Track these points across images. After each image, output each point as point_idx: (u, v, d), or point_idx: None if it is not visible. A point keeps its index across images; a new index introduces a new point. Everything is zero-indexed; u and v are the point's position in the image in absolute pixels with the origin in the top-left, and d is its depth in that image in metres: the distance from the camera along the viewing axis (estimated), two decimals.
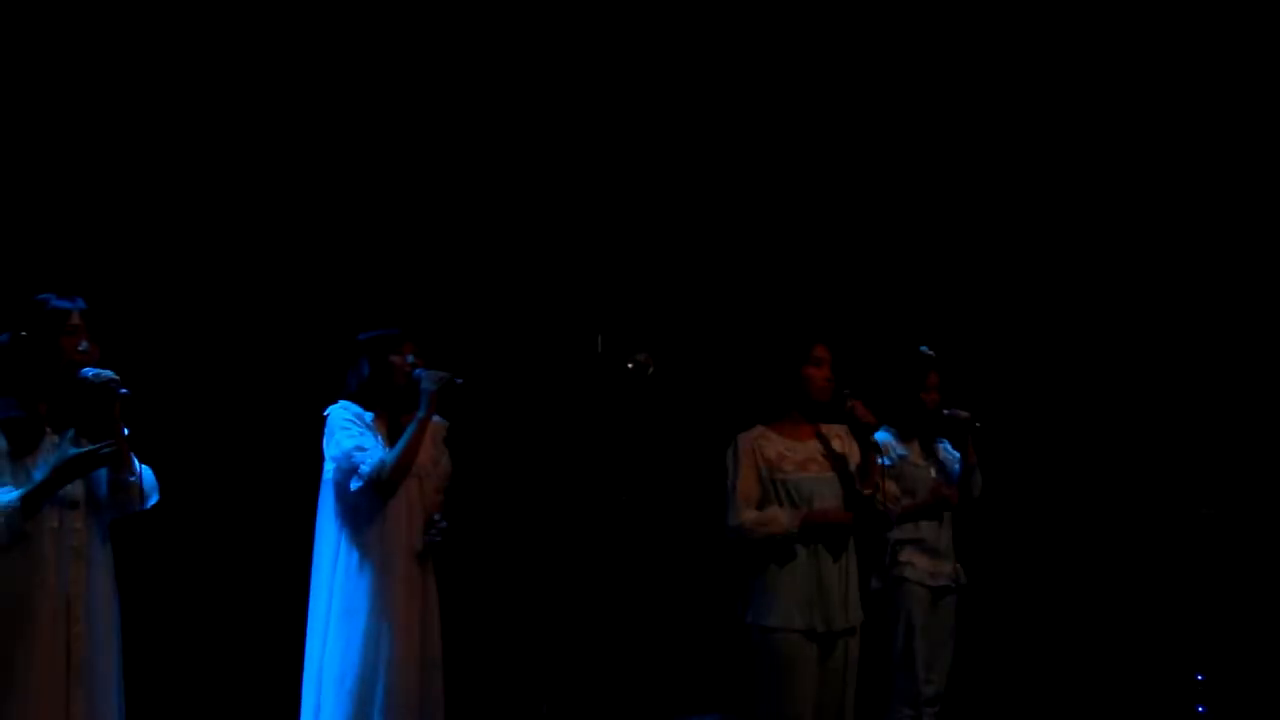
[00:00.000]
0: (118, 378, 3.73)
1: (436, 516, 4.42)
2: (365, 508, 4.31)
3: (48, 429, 3.75)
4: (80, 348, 3.73)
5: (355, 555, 4.30)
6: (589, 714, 6.08)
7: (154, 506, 3.94)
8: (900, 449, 5.27)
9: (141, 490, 3.84)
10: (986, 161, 6.82)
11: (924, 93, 6.70)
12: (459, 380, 4.36)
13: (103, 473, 3.80)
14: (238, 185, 5.71)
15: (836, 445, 4.43)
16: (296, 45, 5.77)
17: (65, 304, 3.77)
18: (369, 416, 4.39)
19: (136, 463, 3.84)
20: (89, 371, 3.71)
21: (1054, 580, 6.76)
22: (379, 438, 4.36)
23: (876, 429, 4.37)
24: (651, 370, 6.00)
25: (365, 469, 4.23)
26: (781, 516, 4.26)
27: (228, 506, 5.48)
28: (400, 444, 4.27)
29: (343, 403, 4.40)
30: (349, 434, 4.29)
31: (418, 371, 4.36)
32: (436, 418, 4.49)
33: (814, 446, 4.40)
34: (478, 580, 5.69)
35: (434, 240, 6.14)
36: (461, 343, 5.95)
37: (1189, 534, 6.58)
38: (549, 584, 6.31)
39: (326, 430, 4.35)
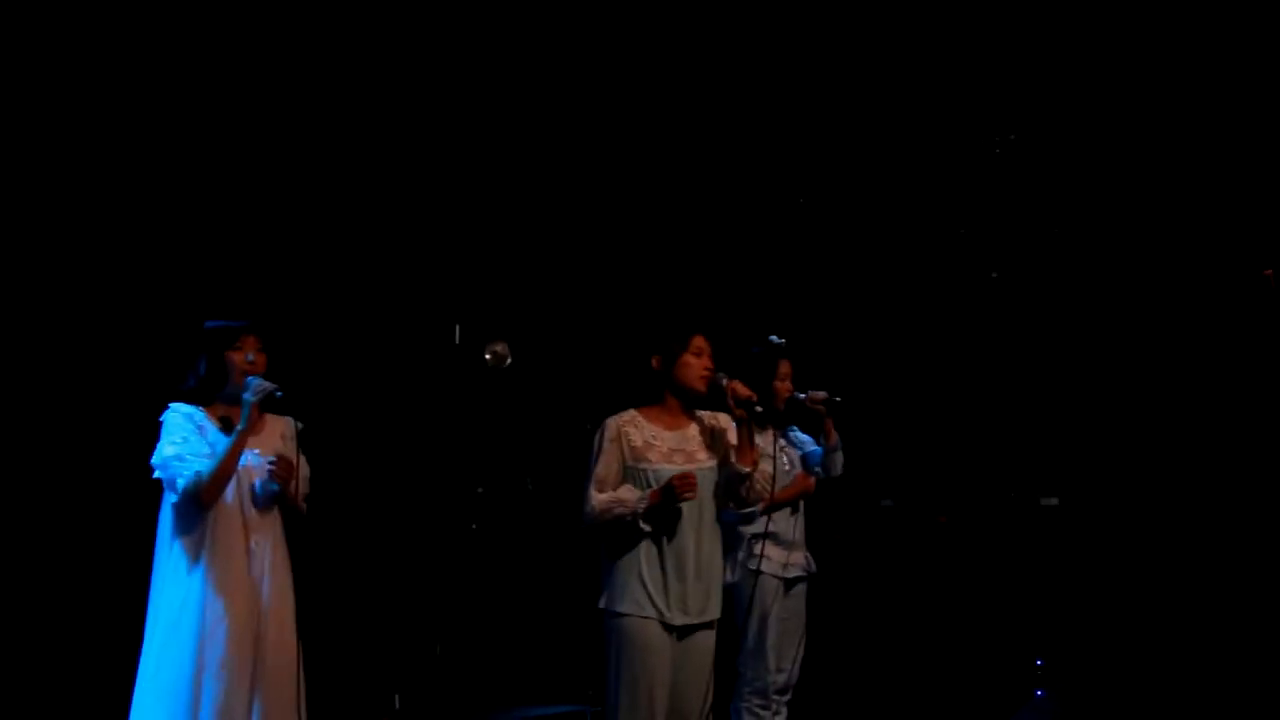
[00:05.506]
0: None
1: (272, 459, 4.35)
2: (194, 512, 4.24)
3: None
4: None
5: (187, 558, 4.23)
6: (442, 705, 6.07)
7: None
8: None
9: None
10: (833, 149, 6.95)
11: (774, 93, 6.81)
12: (279, 393, 4.27)
13: None
14: (90, 176, 5.59)
15: (711, 423, 4.41)
16: (148, 34, 5.66)
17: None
18: (200, 416, 4.33)
19: None
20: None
21: (899, 567, 6.91)
22: (213, 434, 4.31)
23: (756, 404, 4.30)
24: (509, 361, 6.01)
25: (181, 483, 4.19)
26: (629, 497, 4.22)
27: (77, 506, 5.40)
28: (216, 459, 4.21)
29: (173, 406, 4.32)
30: (171, 441, 4.24)
31: (248, 379, 4.30)
32: (288, 418, 4.44)
33: (684, 435, 4.36)
34: (331, 573, 5.63)
35: (288, 230, 6.05)
36: (318, 335, 5.90)
37: (1030, 523, 6.78)
38: (403, 577, 6.28)
39: (160, 433, 4.30)
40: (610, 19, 6.48)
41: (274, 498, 4.35)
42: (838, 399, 5.32)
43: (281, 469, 4.30)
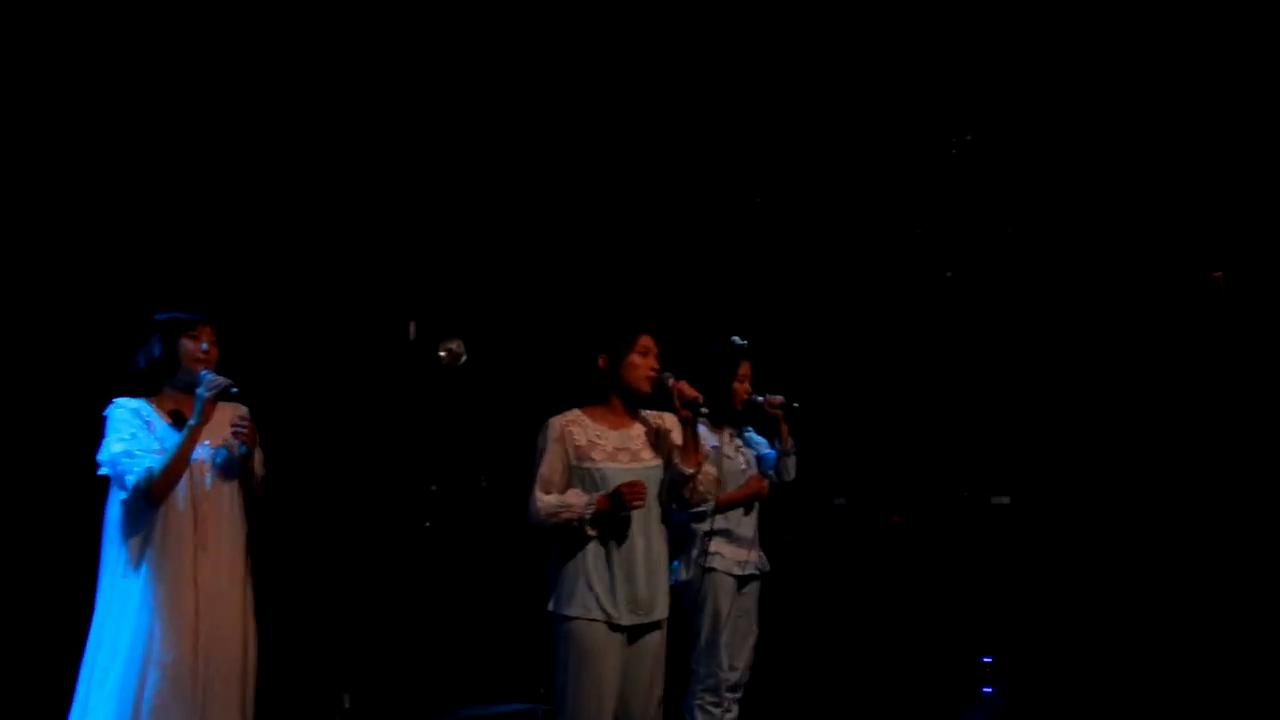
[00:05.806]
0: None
1: (235, 422, 4.31)
2: (144, 509, 4.22)
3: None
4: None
5: (135, 556, 4.21)
6: (393, 704, 6.04)
7: None
8: (711, 440, 5.29)
9: None
10: (789, 149, 6.96)
11: (730, 92, 6.80)
12: (235, 389, 4.26)
13: None
14: (48, 167, 5.53)
15: (656, 423, 4.41)
16: (110, 26, 5.58)
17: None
18: (148, 410, 4.29)
19: None
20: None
21: (852, 566, 6.93)
22: (161, 429, 4.27)
23: (702, 405, 4.31)
24: (464, 358, 5.97)
25: (131, 479, 4.17)
26: (576, 501, 4.21)
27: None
28: (168, 455, 4.19)
29: (118, 401, 4.28)
30: (119, 437, 4.21)
31: (202, 374, 4.27)
32: (238, 404, 4.40)
33: (628, 435, 4.35)
34: (282, 570, 5.57)
35: (244, 225, 5.99)
36: (271, 331, 5.85)
37: (982, 521, 6.82)
38: (355, 574, 6.24)
39: (105, 429, 4.25)
40: (560, 18, 6.45)
41: (238, 466, 4.32)
42: (795, 405, 5.34)
43: (247, 430, 4.27)
